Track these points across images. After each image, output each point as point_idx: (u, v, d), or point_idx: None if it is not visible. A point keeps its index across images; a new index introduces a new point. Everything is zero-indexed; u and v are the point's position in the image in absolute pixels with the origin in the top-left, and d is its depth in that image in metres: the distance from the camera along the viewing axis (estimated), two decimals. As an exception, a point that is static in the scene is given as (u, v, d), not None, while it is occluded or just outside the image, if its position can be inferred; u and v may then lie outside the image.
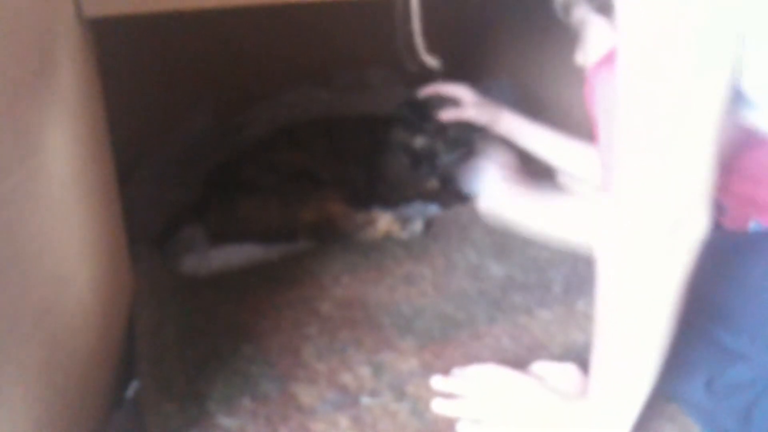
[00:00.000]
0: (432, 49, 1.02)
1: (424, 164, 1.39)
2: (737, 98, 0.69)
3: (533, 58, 1.65)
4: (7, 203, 0.61)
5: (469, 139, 1.38)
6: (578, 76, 1.16)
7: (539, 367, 0.85)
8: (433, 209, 1.36)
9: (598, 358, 0.76)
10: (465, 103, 1.36)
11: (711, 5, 0.62)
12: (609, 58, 0.94)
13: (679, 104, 0.65)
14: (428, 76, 1.85)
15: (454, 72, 1.91)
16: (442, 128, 1.37)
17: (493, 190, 1.26)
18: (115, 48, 1.02)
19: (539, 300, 1.06)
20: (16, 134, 0.65)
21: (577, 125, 1.32)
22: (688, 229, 0.67)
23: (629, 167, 0.68)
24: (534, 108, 1.68)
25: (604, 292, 0.74)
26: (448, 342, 0.97)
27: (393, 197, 1.39)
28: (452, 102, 1.37)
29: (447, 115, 1.35)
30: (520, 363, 0.86)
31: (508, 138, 1.35)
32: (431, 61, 0.96)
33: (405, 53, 0.96)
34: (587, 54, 1.10)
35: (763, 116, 0.72)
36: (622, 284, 0.72)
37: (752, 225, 0.99)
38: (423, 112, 1.39)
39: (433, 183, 1.43)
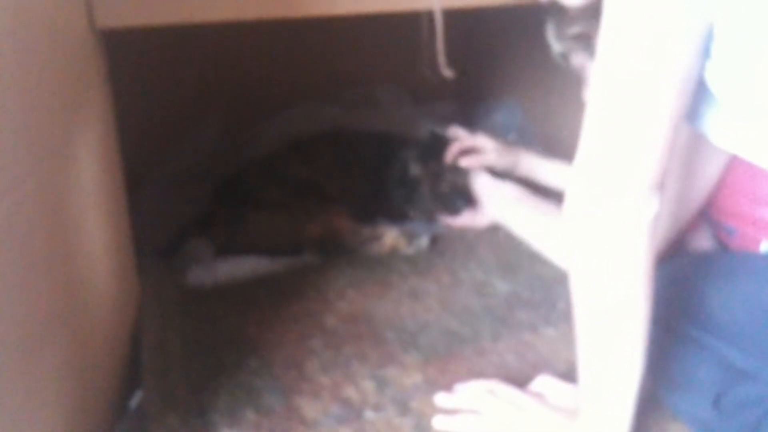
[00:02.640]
0: (439, 70, 1.05)
1: (405, 189, 1.40)
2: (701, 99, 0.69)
3: (539, 79, 1.66)
4: (20, 212, 0.62)
5: (455, 202, 1.37)
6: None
7: (542, 382, 0.85)
8: (439, 226, 1.37)
9: (580, 365, 0.76)
10: (486, 150, 1.36)
11: None
12: None
13: (640, 83, 0.66)
14: (436, 92, 1.87)
15: (461, 93, 1.93)
16: (440, 174, 1.38)
17: (496, 193, 1.27)
18: (123, 61, 1.03)
19: (544, 317, 1.06)
20: (30, 144, 0.66)
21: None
22: (641, 206, 0.68)
23: (586, 145, 0.70)
24: (539, 129, 1.68)
25: (572, 287, 0.75)
26: (452, 358, 0.97)
27: (392, 213, 1.39)
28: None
29: (468, 161, 1.35)
30: (524, 380, 0.86)
31: (529, 178, 1.36)
32: (448, 73, 0.97)
33: (426, 66, 0.98)
34: None
35: (723, 115, 0.72)
36: (583, 275, 0.73)
37: (764, 246, 0.98)
38: (436, 148, 1.40)
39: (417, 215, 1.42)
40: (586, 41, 1.03)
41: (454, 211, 1.35)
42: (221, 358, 0.96)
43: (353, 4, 1.00)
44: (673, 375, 0.84)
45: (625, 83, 0.67)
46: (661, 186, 0.68)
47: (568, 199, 0.72)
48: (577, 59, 1.09)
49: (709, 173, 0.99)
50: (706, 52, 0.66)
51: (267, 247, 1.26)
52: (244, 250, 1.25)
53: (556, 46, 1.10)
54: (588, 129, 0.70)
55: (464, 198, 1.35)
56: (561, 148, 1.50)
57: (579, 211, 0.71)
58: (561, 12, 1.06)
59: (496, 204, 1.30)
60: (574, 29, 1.04)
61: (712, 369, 0.82)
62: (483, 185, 1.33)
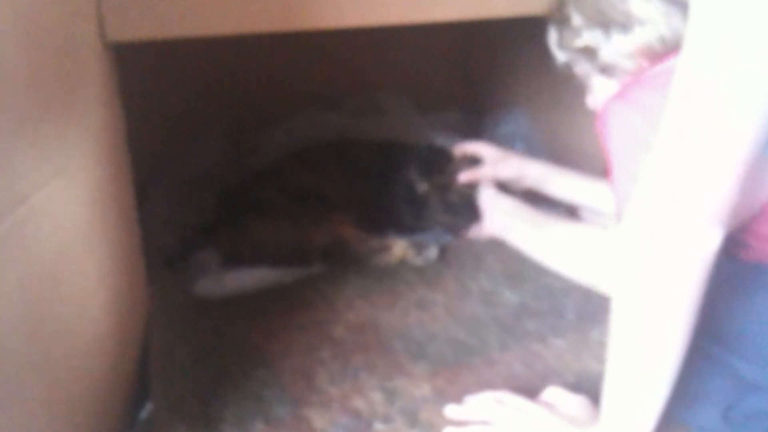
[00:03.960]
0: (446, 78, 1.05)
1: (414, 207, 1.40)
2: None
3: (546, 88, 1.66)
4: (29, 222, 0.62)
5: (465, 211, 1.37)
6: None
7: (551, 393, 0.85)
8: (447, 236, 1.37)
9: (609, 380, 0.76)
10: (486, 162, 1.35)
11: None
12: (620, 94, 0.94)
13: (719, 115, 0.65)
14: (442, 101, 1.88)
15: (467, 102, 1.94)
16: (447, 186, 1.38)
17: (497, 207, 1.27)
18: (129, 71, 1.04)
19: (553, 327, 1.06)
20: (41, 154, 0.66)
21: (589, 154, 1.33)
22: (699, 243, 0.68)
23: (656, 170, 0.69)
24: (546, 137, 1.69)
25: (616, 309, 0.74)
26: (460, 368, 0.97)
27: (399, 222, 1.39)
28: (474, 161, 1.37)
29: (466, 177, 1.36)
30: (532, 390, 0.86)
31: (536, 189, 1.35)
32: None
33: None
34: (596, 98, 1.11)
35: None
36: (633, 298, 0.72)
37: None
38: (438, 160, 1.40)
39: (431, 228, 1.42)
40: (591, 54, 1.03)
41: (465, 220, 1.35)
42: (229, 368, 0.96)
43: (359, 18, 1.01)
44: (684, 387, 0.84)
45: (703, 113, 0.66)
46: (726, 221, 0.68)
47: (626, 224, 0.72)
48: (580, 67, 1.09)
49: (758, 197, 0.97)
50: None
51: (273, 255, 1.26)
52: (249, 258, 1.25)
53: (559, 56, 1.10)
54: (659, 154, 0.69)
55: (474, 206, 1.35)
56: (568, 157, 1.51)
57: (638, 237, 0.71)
58: (564, 21, 1.06)
59: (495, 218, 1.30)
60: (579, 42, 1.04)
61: (722, 381, 0.81)
62: (485, 199, 1.32)
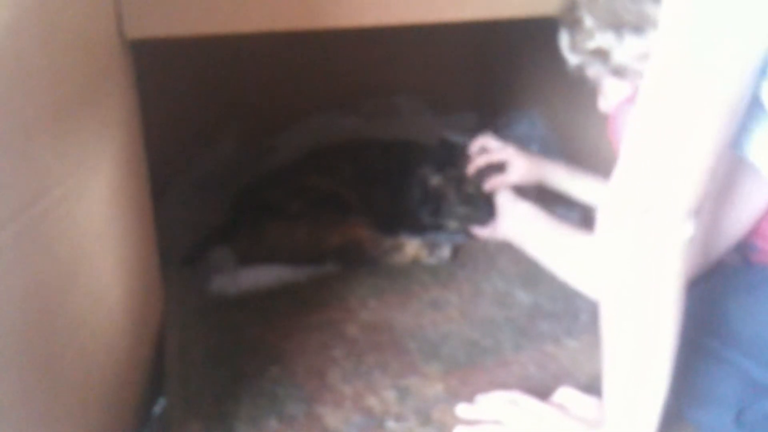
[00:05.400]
0: (461, 80, 1.05)
1: (430, 203, 1.40)
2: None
3: (561, 89, 1.66)
4: (49, 217, 0.63)
5: (482, 201, 1.36)
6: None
7: (564, 393, 0.85)
8: (460, 237, 1.37)
9: (607, 379, 0.76)
10: (512, 168, 1.34)
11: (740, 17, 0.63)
12: (632, 98, 0.94)
13: (687, 104, 0.66)
14: (457, 103, 1.88)
15: (482, 103, 1.94)
16: (461, 178, 1.38)
17: (513, 212, 1.26)
18: (145, 72, 1.05)
19: (566, 329, 1.06)
20: (60, 150, 0.67)
21: (604, 156, 1.32)
22: (675, 229, 0.68)
23: (626, 163, 0.70)
24: (561, 140, 1.68)
25: (602, 306, 0.75)
26: (473, 368, 0.97)
27: (416, 224, 1.39)
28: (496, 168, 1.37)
29: (492, 183, 1.34)
30: (546, 391, 0.86)
31: (551, 189, 1.35)
32: None
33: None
34: (608, 100, 1.11)
35: None
36: (616, 286, 0.73)
37: None
38: (451, 154, 1.40)
39: (450, 223, 1.42)
40: (604, 56, 1.03)
41: (484, 211, 1.34)
42: (244, 366, 0.97)
43: (379, 16, 1.01)
44: (696, 389, 0.84)
45: (671, 103, 0.67)
46: (699, 210, 0.68)
47: (601, 216, 0.72)
48: (592, 70, 1.09)
49: (753, 204, 0.97)
50: (762, 74, 0.65)
51: (288, 256, 1.27)
52: (264, 259, 1.25)
53: (571, 58, 1.10)
54: (629, 146, 0.70)
55: (491, 198, 1.35)
56: (583, 158, 1.50)
57: (613, 229, 0.71)
58: (576, 24, 1.06)
59: (510, 223, 1.29)
60: (591, 44, 1.03)
61: (734, 384, 0.81)
62: (502, 202, 1.31)
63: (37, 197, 0.61)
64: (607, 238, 0.72)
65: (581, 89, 1.17)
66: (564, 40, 1.09)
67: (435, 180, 1.40)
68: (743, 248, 1.05)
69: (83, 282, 0.73)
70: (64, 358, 0.67)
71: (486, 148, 1.38)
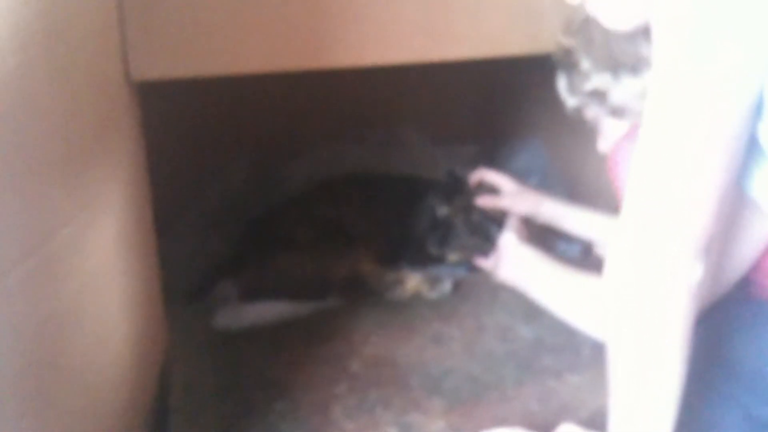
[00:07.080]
0: (464, 112, 1.05)
1: (438, 233, 1.41)
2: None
3: (563, 121, 1.66)
4: (57, 257, 0.64)
5: (489, 230, 1.36)
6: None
7: (565, 429, 0.85)
8: (462, 270, 1.37)
9: (613, 418, 0.76)
10: (504, 193, 1.34)
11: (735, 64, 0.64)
12: (630, 134, 0.95)
13: (689, 145, 0.66)
14: (459, 134, 1.89)
15: (484, 133, 1.95)
16: (468, 208, 1.38)
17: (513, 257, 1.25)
18: (153, 104, 1.06)
19: (569, 363, 1.06)
20: (68, 191, 0.68)
21: (606, 187, 1.33)
22: (684, 271, 0.68)
23: (632, 205, 0.70)
24: (563, 171, 1.69)
25: (611, 340, 0.75)
26: (476, 404, 0.97)
27: (419, 257, 1.40)
28: (492, 190, 1.37)
29: (483, 201, 1.35)
30: (548, 427, 0.86)
31: (550, 225, 1.35)
32: None
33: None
34: (607, 141, 1.12)
35: None
36: (624, 327, 0.73)
37: None
38: (457, 186, 1.41)
39: (452, 255, 1.41)
40: (602, 96, 1.04)
41: (491, 238, 1.34)
42: (249, 400, 0.98)
43: (378, 56, 1.02)
44: (696, 423, 0.84)
45: (673, 145, 0.67)
46: (707, 250, 0.68)
47: (610, 259, 0.72)
48: (592, 112, 1.09)
49: (756, 240, 0.97)
50: (758, 114, 0.66)
51: (293, 288, 1.27)
52: (271, 291, 1.26)
53: (569, 100, 1.10)
54: (634, 188, 0.70)
55: (497, 224, 1.34)
56: (585, 190, 1.51)
57: (622, 271, 0.71)
58: (573, 66, 1.07)
59: (509, 267, 1.26)
60: (588, 85, 1.04)
61: (734, 418, 0.81)
62: (504, 244, 1.29)
63: (46, 238, 0.62)
64: (615, 280, 0.72)
65: (582, 121, 1.18)
66: (562, 82, 1.10)
67: (442, 210, 1.41)
68: (744, 284, 1.05)
69: (89, 321, 0.74)
70: (69, 397, 0.67)
71: (484, 182, 1.39)
